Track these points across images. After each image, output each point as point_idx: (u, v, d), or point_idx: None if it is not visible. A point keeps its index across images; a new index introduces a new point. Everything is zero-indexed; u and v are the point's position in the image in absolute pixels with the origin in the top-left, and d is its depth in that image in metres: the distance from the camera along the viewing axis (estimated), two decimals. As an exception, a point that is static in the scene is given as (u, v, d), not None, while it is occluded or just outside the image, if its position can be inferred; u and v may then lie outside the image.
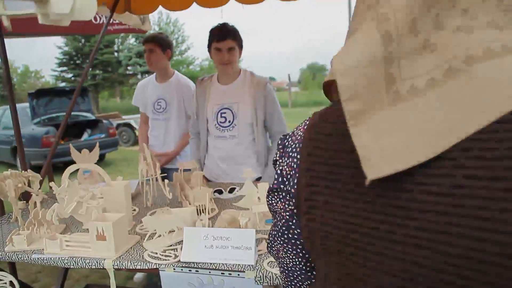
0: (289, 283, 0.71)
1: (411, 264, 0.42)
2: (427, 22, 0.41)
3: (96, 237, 1.34)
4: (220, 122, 2.23)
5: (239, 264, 1.22)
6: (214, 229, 1.31)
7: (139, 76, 23.90)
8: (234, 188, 2.02)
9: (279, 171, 0.62)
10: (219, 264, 1.23)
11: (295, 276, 0.69)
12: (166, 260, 1.27)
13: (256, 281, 1.17)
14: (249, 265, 1.21)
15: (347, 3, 15.39)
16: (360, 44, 0.43)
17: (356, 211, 0.47)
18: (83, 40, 22.73)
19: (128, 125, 10.75)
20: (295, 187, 0.58)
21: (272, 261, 1.23)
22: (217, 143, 2.28)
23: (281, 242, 0.66)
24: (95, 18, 4.45)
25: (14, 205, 1.63)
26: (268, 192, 0.65)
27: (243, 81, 2.25)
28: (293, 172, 0.58)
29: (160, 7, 2.79)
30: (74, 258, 1.32)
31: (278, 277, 1.16)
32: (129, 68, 23.73)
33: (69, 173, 1.91)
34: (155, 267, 1.24)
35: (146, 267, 1.25)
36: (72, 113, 8.60)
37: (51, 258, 1.34)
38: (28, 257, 1.36)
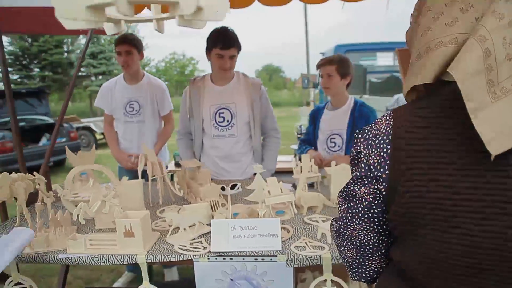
0: (359, 256, 0.86)
1: None
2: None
3: (124, 234, 1.38)
4: (219, 121, 2.31)
5: (267, 251, 1.32)
6: (240, 220, 1.40)
7: (93, 78, 22.91)
8: (236, 185, 2.11)
9: (365, 160, 0.76)
10: (248, 251, 1.32)
11: (366, 249, 0.84)
12: (196, 251, 1.34)
13: (287, 264, 1.28)
14: (277, 251, 1.32)
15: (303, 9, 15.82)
16: (468, 58, 0.60)
17: (465, 185, 0.63)
18: (30, 40, 21.40)
19: (88, 129, 10.35)
20: (387, 172, 0.72)
21: (299, 246, 1.34)
22: (215, 142, 2.35)
23: (359, 221, 0.81)
24: (63, 18, 4.30)
25: (24, 207, 1.60)
26: (352, 179, 0.80)
27: (237, 82, 2.34)
28: (383, 160, 0.73)
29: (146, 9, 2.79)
30: (104, 256, 1.34)
31: (308, 259, 1.27)
32: (82, 69, 22.66)
33: (73, 175, 1.92)
34: (189, 258, 1.31)
35: (180, 259, 1.31)
36: (29, 116, 8.16)
37: (79, 257, 1.36)
38: (54, 257, 1.37)
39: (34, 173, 1.73)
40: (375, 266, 0.86)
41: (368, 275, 0.87)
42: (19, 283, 1.44)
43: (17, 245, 1.30)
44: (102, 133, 11.19)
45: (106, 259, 1.34)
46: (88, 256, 1.35)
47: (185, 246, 1.38)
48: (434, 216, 0.66)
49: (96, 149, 2.03)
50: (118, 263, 1.33)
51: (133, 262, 1.33)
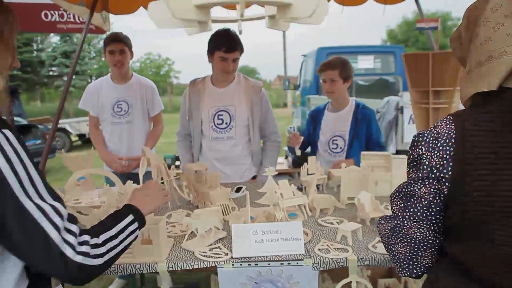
0: (412, 253, 0.89)
1: None
2: None
3: (141, 242, 1.32)
4: (217, 124, 2.28)
5: (290, 254, 1.31)
6: (262, 224, 1.37)
7: (65, 78, 22.17)
8: (241, 188, 2.08)
9: (426, 162, 0.80)
10: (272, 256, 1.30)
11: (421, 246, 0.87)
12: (218, 257, 1.31)
13: (313, 267, 1.27)
14: (301, 254, 1.31)
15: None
16: None
17: None
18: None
19: (63, 130, 9.98)
20: (450, 173, 0.76)
21: (322, 249, 1.34)
22: (214, 144, 2.31)
23: (417, 220, 0.84)
24: (45, 15, 4.15)
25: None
26: (412, 180, 0.83)
27: (238, 84, 2.31)
28: (445, 162, 0.77)
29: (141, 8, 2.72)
30: (121, 265, 1.29)
31: (334, 261, 1.27)
32: (53, 69, 21.87)
33: (75, 180, 1.84)
34: (213, 265, 1.28)
35: (204, 266, 1.28)
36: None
37: (94, 267, 1.29)
38: (66, 268, 1.29)
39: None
40: (426, 262, 0.90)
41: (419, 270, 0.91)
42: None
43: None
44: (78, 135, 10.86)
45: (123, 269, 1.28)
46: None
47: (205, 252, 1.35)
48: (504, 214, 0.69)
49: (71, 151, 1.94)
50: (136, 272, 1.28)
51: (154, 271, 1.28)
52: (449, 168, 0.76)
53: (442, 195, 0.79)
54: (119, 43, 2.54)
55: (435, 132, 0.80)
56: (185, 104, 2.35)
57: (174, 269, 1.28)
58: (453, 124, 0.77)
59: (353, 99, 2.45)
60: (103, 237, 0.92)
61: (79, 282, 0.89)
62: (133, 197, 1.17)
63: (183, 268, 1.28)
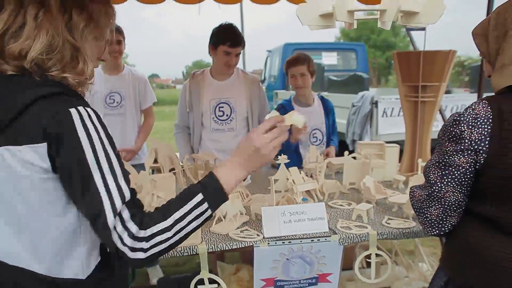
0: (443, 213, 1.09)
1: None
2: None
3: (177, 226, 1.39)
4: (219, 115, 2.35)
5: (316, 232, 1.44)
6: (289, 206, 1.49)
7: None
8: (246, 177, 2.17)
9: (468, 137, 0.99)
10: (300, 234, 1.43)
11: (452, 208, 1.07)
12: (253, 238, 1.41)
13: (339, 242, 1.41)
14: (326, 232, 1.44)
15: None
16: None
17: None
18: None
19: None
20: (487, 145, 0.96)
21: (343, 226, 1.48)
22: (214, 135, 2.39)
23: (453, 185, 1.04)
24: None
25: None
26: (452, 152, 1.02)
27: (237, 77, 2.40)
28: (483, 137, 0.97)
29: (132, -1, 2.69)
30: (161, 249, 1.34)
31: (358, 236, 1.42)
32: None
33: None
34: (250, 244, 1.38)
35: (242, 246, 1.37)
36: None
37: (135, 252, 1.34)
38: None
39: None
40: (453, 221, 1.09)
41: (446, 228, 1.11)
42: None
43: None
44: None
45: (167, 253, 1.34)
46: (144, 250, 1.34)
47: (238, 234, 1.44)
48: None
49: None
50: (178, 255, 1.35)
51: (194, 253, 1.35)
52: (486, 142, 0.96)
53: (477, 165, 0.99)
54: (117, 34, 2.53)
55: (473, 113, 0.99)
56: (184, 97, 2.40)
57: (213, 250, 1.36)
58: (489, 107, 0.97)
59: (314, 93, 2.62)
60: (160, 226, 0.85)
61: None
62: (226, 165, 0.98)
63: (222, 249, 1.36)
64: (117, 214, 0.83)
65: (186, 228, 0.89)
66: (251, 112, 2.40)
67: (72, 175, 0.82)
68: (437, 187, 1.07)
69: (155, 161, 1.99)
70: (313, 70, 2.48)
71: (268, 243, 1.39)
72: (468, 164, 1.00)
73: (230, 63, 2.26)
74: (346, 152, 2.02)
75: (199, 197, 0.90)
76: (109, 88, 2.63)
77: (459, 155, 1.01)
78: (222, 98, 2.36)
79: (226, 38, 2.20)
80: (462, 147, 1.00)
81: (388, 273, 1.52)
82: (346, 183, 2.01)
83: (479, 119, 0.98)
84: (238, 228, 1.53)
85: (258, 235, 1.43)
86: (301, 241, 1.40)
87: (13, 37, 0.82)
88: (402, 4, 0.79)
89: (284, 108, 2.66)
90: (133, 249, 0.83)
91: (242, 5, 10.41)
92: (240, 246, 1.37)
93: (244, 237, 1.41)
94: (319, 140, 2.57)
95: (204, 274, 1.38)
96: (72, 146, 0.81)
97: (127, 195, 0.85)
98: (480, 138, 0.97)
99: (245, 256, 2.54)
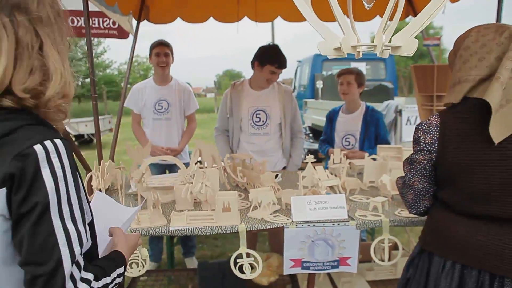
0: (416, 198, 1.39)
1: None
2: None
3: (221, 209, 1.71)
4: (256, 121, 2.68)
5: (337, 219, 1.71)
6: (315, 196, 1.78)
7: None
8: (277, 175, 2.48)
9: (423, 141, 1.30)
10: (324, 220, 1.70)
11: (421, 193, 1.37)
12: (283, 221, 1.70)
13: (356, 227, 1.68)
14: (345, 218, 1.71)
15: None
16: (495, 93, 1.09)
17: (480, 154, 1.16)
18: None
19: (62, 131, 10.13)
20: (436, 148, 1.26)
21: (360, 214, 1.75)
22: (251, 139, 2.71)
23: (418, 176, 1.35)
24: (72, 21, 4.45)
25: (120, 192, 1.86)
26: (414, 151, 1.34)
27: (272, 88, 2.72)
28: (433, 141, 1.27)
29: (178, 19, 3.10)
30: (209, 227, 1.67)
31: (372, 222, 1.68)
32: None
33: (147, 164, 2.20)
34: (281, 225, 1.67)
35: (275, 226, 1.67)
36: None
37: (188, 229, 1.66)
38: (165, 230, 1.66)
39: (121, 162, 2.00)
40: (426, 204, 1.39)
41: (421, 209, 1.41)
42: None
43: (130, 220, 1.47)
44: (76, 136, 11.01)
45: (211, 229, 1.66)
46: (196, 228, 1.67)
47: (272, 218, 1.74)
48: (465, 169, 1.20)
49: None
50: (222, 232, 1.66)
51: (235, 231, 1.66)
52: (436, 145, 1.26)
53: (431, 161, 1.29)
54: (165, 47, 2.97)
55: (428, 123, 1.30)
56: (225, 103, 2.74)
57: (251, 229, 1.66)
58: (438, 118, 1.28)
59: (364, 103, 2.89)
60: (101, 282, 0.84)
61: None
62: (122, 245, 1.01)
63: (258, 229, 1.67)
64: (74, 262, 0.77)
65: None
66: (284, 119, 2.71)
67: (26, 217, 0.73)
68: (407, 177, 1.38)
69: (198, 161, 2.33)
70: (361, 82, 2.81)
71: (296, 225, 1.67)
72: (426, 161, 1.30)
73: (273, 81, 2.60)
74: (366, 154, 2.28)
75: (122, 269, 0.94)
76: (158, 96, 3.05)
77: (418, 154, 1.32)
78: (259, 106, 2.68)
79: (275, 60, 2.54)
80: (420, 148, 1.31)
81: (399, 257, 1.76)
82: (366, 181, 2.26)
83: (431, 127, 1.28)
84: (271, 214, 1.82)
85: (287, 219, 1.73)
86: (324, 225, 1.68)
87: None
88: (385, 41, 1.07)
89: (330, 114, 3.00)
90: None
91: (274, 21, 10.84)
92: (273, 227, 1.67)
93: (276, 220, 1.71)
94: (352, 145, 2.84)
95: (243, 249, 1.69)
96: (34, 188, 0.73)
97: (84, 240, 0.81)
98: (431, 142, 1.27)
99: (274, 246, 2.82)
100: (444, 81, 2.23)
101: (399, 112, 4.26)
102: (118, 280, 0.92)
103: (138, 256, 1.70)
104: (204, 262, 2.50)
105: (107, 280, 0.86)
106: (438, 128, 1.25)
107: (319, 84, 7.97)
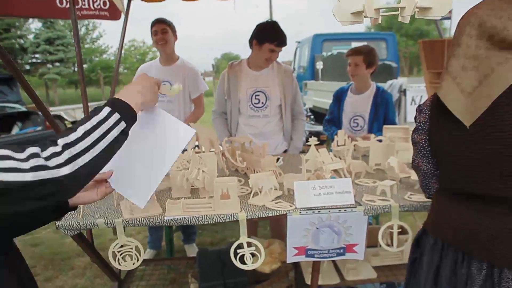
0: (425, 181, 1.32)
1: (492, 150, 1.02)
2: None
3: (220, 197, 1.60)
4: (255, 103, 2.54)
5: (343, 204, 1.61)
6: (319, 180, 1.67)
7: (49, 66, 21.70)
8: (278, 159, 2.36)
9: (418, 120, 1.25)
10: (329, 206, 1.60)
11: (428, 175, 1.30)
12: (286, 208, 1.59)
13: (364, 213, 1.58)
14: (352, 204, 1.61)
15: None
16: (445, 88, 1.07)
17: (460, 133, 1.09)
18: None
19: (58, 117, 10.00)
20: (427, 126, 1.21)
21: (368, 199, 1.64)
22: (250, 121, 2.58)
23: (421, 157, 1.28)
24: (60, 2, 4.26)
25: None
26: (413, 131, 1.28)
27: (272, 68, 2.58)
28: (426, 120, 1.22)
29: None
30: (207, 216, 1.56)
31: (381, 208, 1.58)
32: (37, 56, 21.37)
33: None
34: (284, 213, 1.56)
35: (277, 214, 1.56)
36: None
37: (185, 218, 1.56)
38: (160, 219, 1.56)
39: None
40: (436, 186, 1.30)
41: (433, 192, 1.33)
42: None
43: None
44: (73, 122, 10.87)
45: (209, 218, 1.56)
46: (193, 217, 1.56)
47: (273, 205, 1.63)
48: (445, 151, 1.16)
49: None
50: (221, 221, 1.56)
51: (235, 219, 1.56)
52: (427, 124, 1.23)
53: (427, 140, 1.24)
54: (161, 24, 2.82)
55: (425, 102, 1.25)
56: (223, 85, 2.60)
57: (252, 217, 1.56)
58: (432, 97, 1.21)
59: (374, 83, 2.75)
60: (71, 137, 0.78)
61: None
62: (121, 91, 0.97)
63: (259, 216, 1.56)
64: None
65: (103, 139, 0.81)
66: (284, 100, 2.57)
67: None
68: (413, 159, 1.34)
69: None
70: (371, 62, 2.64)
71: (300, 212, 1.57)
72: (423, 140, 1.25)
73: (273, 60, 2.45)
74: (372, 135, 2.16)
75: (107, 109, 0.86)
76: (161, 77, 2.89)
77: (415, 133, 1.29)
78: (258, 87, 2.54)
79: (274, 38, 2.38)
80: (416, 127, 1.28)
81: (409, 243, 1.66)
82: (372, 163, 2.15)
83: (425, 106, 1.25)
84: (272, 200, 1.71)
85: (290, 206, 1.62)
86: (329, 211, 1.57)
87: None
88: (417, 1, 0.93)
89: (338, 93, 2.86)
90: (52, 167, 0.72)
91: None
92: (275, 214, 1.56)
93: (279, 207, 1.60)
94: (360, 126, 2.72)
95: (244, 238, 1.59)
96: None
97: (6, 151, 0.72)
98: (424, 120, 1.24)
99: (276, 233, 2.74)
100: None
101: (403, 91, 4.12)
102: (111, 123, 0.84)
103: (132, 249, 1.60)
104: (204, 249, 2.42)
105: (84, 128, 0.80)
106: (429, 107, 1.23)
107: (319, 65, 7.79)
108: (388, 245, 1.72)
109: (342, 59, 7.40)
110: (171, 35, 2.87)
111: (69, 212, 1.11)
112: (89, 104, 2.40)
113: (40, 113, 7.98)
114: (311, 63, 8.41)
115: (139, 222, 1.56)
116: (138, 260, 1.62)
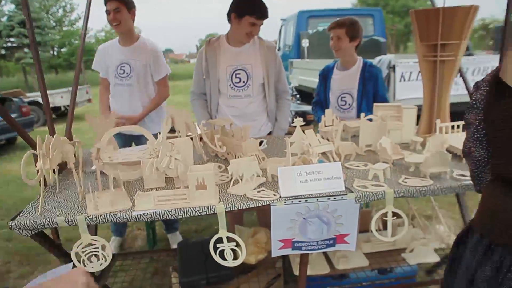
0: (476, 170, 1.13)
1: None
2: None
3: (195, 187, 1.42)
4: (235, 82, 2.34)
5: (333, 191, 1.45)
6: (305, 166, 1.50)
7: (26, 50, 20.81)
8: (262, 141, 2.19)
9: (474, 97, 1.09)
10: (317, 193, 1.44)
11: (480, 164, 1.10)
12: (270, 197, 1.43)
13: (356, 200, 1.43)
14: (342, 191, 1.45)
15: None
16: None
17: None
18: None
19: (36, 103, 9.59)
20: (483, 105, 1.05)
21: (360, 185, 1.49)
22: (231, 102, 2.39)
23: (474, 140, 1.09)
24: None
25: (74, 172, 1.56)
26: (467, 109, 1.10)
27: (253, 44, 2.37)
28: (482, 97, 1.06)
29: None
30: (181, 209, 1.39)
31: (374, 194, 1.43)
32: (12, 40, 20.43)
33: (110, 136, 1.89)
34: (267, 203, 1.40)
35: (259, 205, 1.40)
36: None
37: (156, 213, 1.39)
38: (128, 215, 1.38)
39: (74, 136, 1.68)
40: (487, 177, 1.13)
41: (484, 184, 1.16)
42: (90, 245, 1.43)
43: None
44: (53, 108, 10.47)
45: (184, 211, 1.39)
46: (165, 211, 1.39)
47: (255, 194, 1.47)
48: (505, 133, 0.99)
49: (45, 125, 1.95)
50: (196, 214, 1.39)
51: (212, 212, 1.39)
52: (483, 102, 1.07)
53: (481, 121, 1.07)
54: (113, 2, 2.52)
55: (484, 78, 1.09)
56: (201, 63, 2.39)
57: (231, 209, 1.39)
58: (494, 72, 1.05)
59: (360, 58, 2.58)
60: None
61: None
62: None
63: (240, 208, 1.40)
64: None
65: None
66: (267, 78, 2.38)
67: None
68: (465, 145, 1.17)
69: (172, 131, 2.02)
70: (354, 35, 2.45)
71: (285, 202, 1.41)
72: (477, 121, 1.09)
73: (254, 34, 2.24)
74: (362, 114, 2.00)
75: None
76: (120, 59, 2.67)
77: (470, 112, 1.13)
78: (239, 65, 2.34)
79: (254, 10, 2.16)
80: (470, 105, 1.12)
81: (404, 232, 1.53)
82: (362, 145, 2.00)
83: (484, 82, 1.09)
84: (255, 189, 1.55)
85: (274, 194, 1.46)
86: (317, 200, 1.42)
87: None
88: None
89: (324, 71, 2.66)
90: None
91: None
92: (257, 205, 1.40)
93: (261, 197, 1.44)
94: (349, 104, 2.55)
95: (223, 233, 1.43)
96: None
97: None
98: (480, 98, 1.09)
99: (262, 220, 2.59)
100: (451, 26, 1.92)
101: (392, 67, 3.95)
102: None
103: (98, 248, 1.43)
104: (184, 241, 2.26)
105: None
106: (489, 83, 1.07)
107: (305, 43, 7.55)
108: (379, 230, 1.59)
109: (328, 36, 7.19)
110: (126, 14, 2.57)
111: (25, 210, 0.99)
112: (69, 89, 2.18)
113: (14, 99, 7.61)
114: (296, 41, 8.16)
115: (105, 218, 1.38)
116: (106, 260, 1.45)
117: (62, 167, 1.87)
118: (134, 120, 2.68)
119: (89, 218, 1.37)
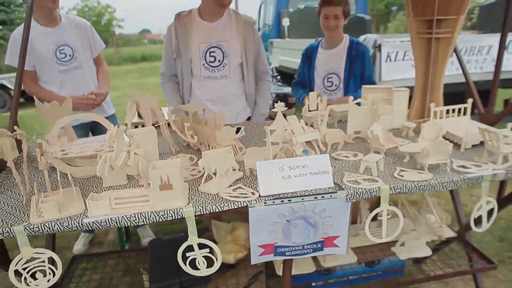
0: None
1: None
2: None
3: (159, 187, 1.20)
4: (209, 61, 2.09)
5: (320, 188, 1.26)
6: (289, 159, 1.30)
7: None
8: (240, 128, 1.97)
9: None
10: (302, 191, 1.25)
11: None
12: (247, 197, 1.23)
13: (347, 199, 1.24)
14: (331, 187, 1.26)
15: None
16: None
17: None
18: None
19: (2, 87, 8.99)
20: None
21: (350, 180, 1.30)
22: (205, 84, 2.15)
23: None
24: None
25: (13, 169, 1.31)
26: None
27: (229, 18, 2.12)
28: None
29: None
30: (142, 214, 1.17)
31: (368, 191, 1.24)
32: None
33: (59, 127, 1.64)
34: (244, 205, 1.20)
35: (234, 207, 1.19)
36: None
37: (111, 219, 1.16)
38: (77, 223, 1.15)
39: (15, 127, 1.42)
40: None
41: None
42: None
43: None
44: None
45: (145, 217, 1.17)
46: (122, 217, 1.16)
47: (230, 193, 1.26)
48: None
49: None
50: (161, 219, 1.17)
51: (180, 217, 1.18)
52: None
53: None
54: None
55: None
56: (170, 42, 2.12)
57: (202, 213, 1.18)
58: None
59: (347, 35, 2.37)
60: None
61: None
62: None
63: (212, 211, 1.19)
64: None
65: None
66: (246, 57, 2.14)
67: None
68: None
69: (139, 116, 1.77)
70: (348, 12, 2.29)
71: (265, 203, 1.21)
72: None
73: (225, 3, 1.97)
74: (350, 98, 1.80)
75: None
76: (54, 42, 2.32)
77: None
78: (213, 42, 2.08)
79: None
80: None
81: (399, 230, 1.37)
82: (350, 132, 1.81)
83: None
84: (230, 186, 1.34)
85: (253, 193, 1.25)
86: (302, 199, 1.22)
87: None
88: None
89: (308, 51, 2.45)
90: None
91: None
92: (232, 207, 1.19)
93: (237, 197, 1.23)
94: (335, 85, 2.36)
95: (193, 240, 1.22)
96: None
97: None
98: None
99: (242, 214, 2.40)
100: (448, 1, 1.72)
101: (378, 47, 3.76)
102: None
103: (44, 262, 1.19)
104: (155, 240, 2.05)
105: None
106: None
107: (286, 22, 7.26)
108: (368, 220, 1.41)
109: (310, 14, 6.92)
110: None
111: None
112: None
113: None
114: (276, 20, 7.86)
115: (49, 228, 1.15)
116: (54, 275, 1.22)
117: (3, 164, 1.60)
118: (104, 94, 2.43)
119: (30, 228, 1.13)
